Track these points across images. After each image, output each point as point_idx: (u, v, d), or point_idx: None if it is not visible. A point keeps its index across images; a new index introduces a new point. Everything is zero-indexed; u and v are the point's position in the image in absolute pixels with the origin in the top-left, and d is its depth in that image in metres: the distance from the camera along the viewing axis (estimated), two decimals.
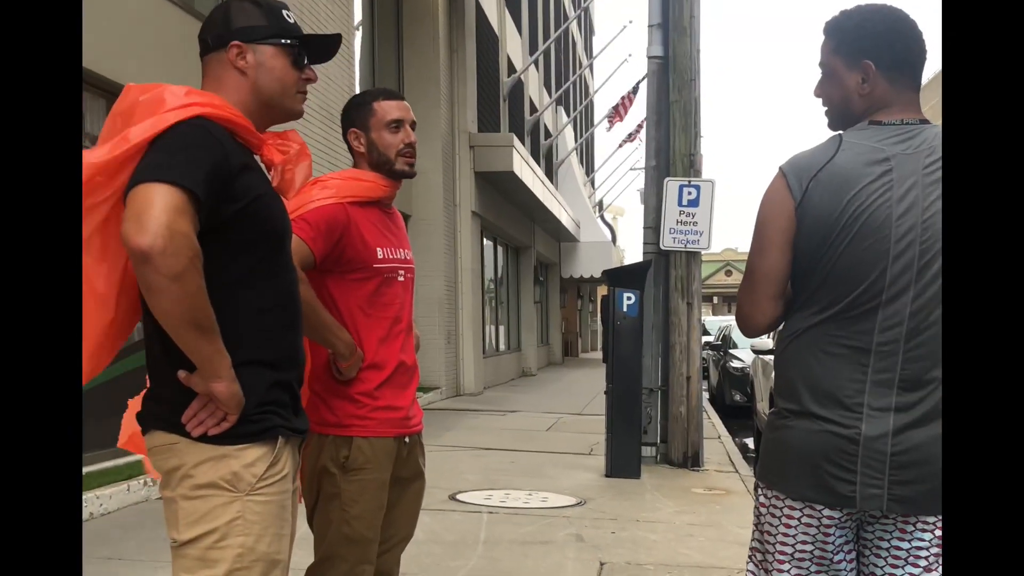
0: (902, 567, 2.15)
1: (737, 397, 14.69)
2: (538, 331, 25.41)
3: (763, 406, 10.37)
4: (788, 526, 2.17)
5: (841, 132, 2.20)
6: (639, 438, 8.19)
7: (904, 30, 2.19)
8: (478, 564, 5.13)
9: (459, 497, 6.92)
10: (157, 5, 7.75)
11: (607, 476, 7.93)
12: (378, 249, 2.84)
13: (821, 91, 2.28)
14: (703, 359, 12.48)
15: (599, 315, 16.89)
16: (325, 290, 2.81)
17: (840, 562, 2.18)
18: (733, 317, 22.89)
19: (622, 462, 7.96)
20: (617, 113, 24.30)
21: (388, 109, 2.91)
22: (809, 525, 2.15)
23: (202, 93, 2.15)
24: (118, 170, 2.02)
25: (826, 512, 2.13)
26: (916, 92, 2.23)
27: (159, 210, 1.90)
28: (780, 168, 2.18)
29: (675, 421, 8.66)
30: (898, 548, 2.15)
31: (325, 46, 2.33)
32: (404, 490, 2.95)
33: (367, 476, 2.77)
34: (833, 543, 2.15)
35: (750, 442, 11.81)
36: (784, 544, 2.19)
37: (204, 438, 2.07)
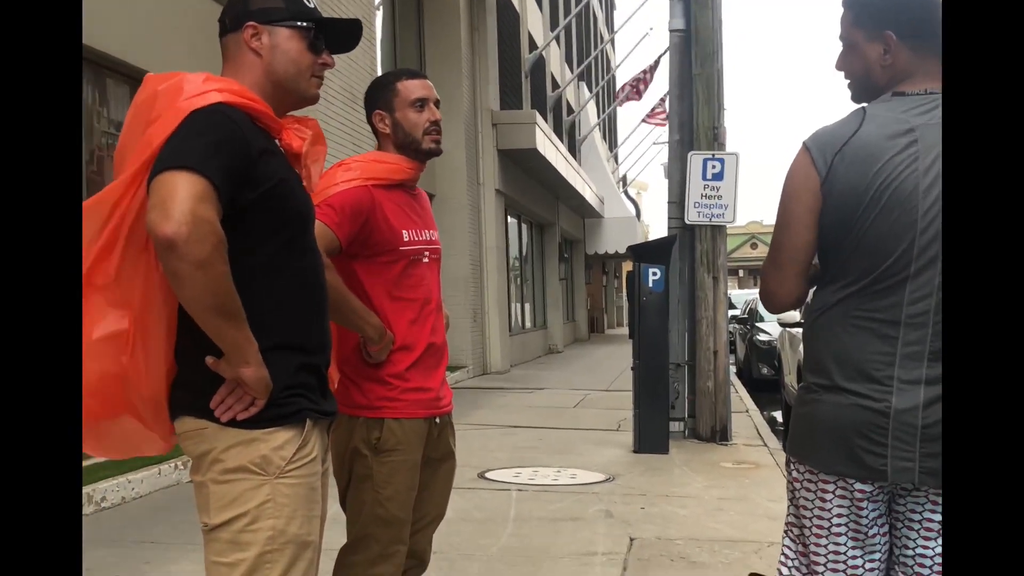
0: (935, 539, 2.14)
1: (764, 370, 14.65)
2: (564, 308, 25.40)
3: (791, 379, 10.34)
4: (823, 500, 2.17)
5: (865, 104, 2.18)
6: (667, 413, 8.19)
7: None
8: (508, 541, 5.16)
9: (488, 475, 6.95)
10: None
11: (635, 452, 7.94)
12: (404, 231, 2.84)
13: (843, 64, 2.25)
14: (729, 333, 12.44)
15: (624, 291, 16.86)
16: (352, 274, 2.82)
17: (874, 536, 2.17)
18: (758, 291, 22.90)
19: (650, 438, 7.97)
20: (636, 90, 24.09)
21: (412, 88, 2.90)
22: (843, 498, 2.14)
23: (220, 79, 2.15)
24: (143, 169, 2.02)
25: (858, 486, 2.12)
26: (939, 60, 2.19)
27: (182, 197, 1.91)
28: (804, 143, 2.16)
29: (702, 395, 8.65)
30: (930, 521, 2.14)
31: (346, 34, 2.32)
32: (435, 470, 2.96)
33: (399, 457, 2.79)
34: (867, 516, 2.15)
35: (778, 415, 11.78)
36: (820, 519, 2.18)
37: (233, 422, 2.08)
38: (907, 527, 2.17)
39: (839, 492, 2.15)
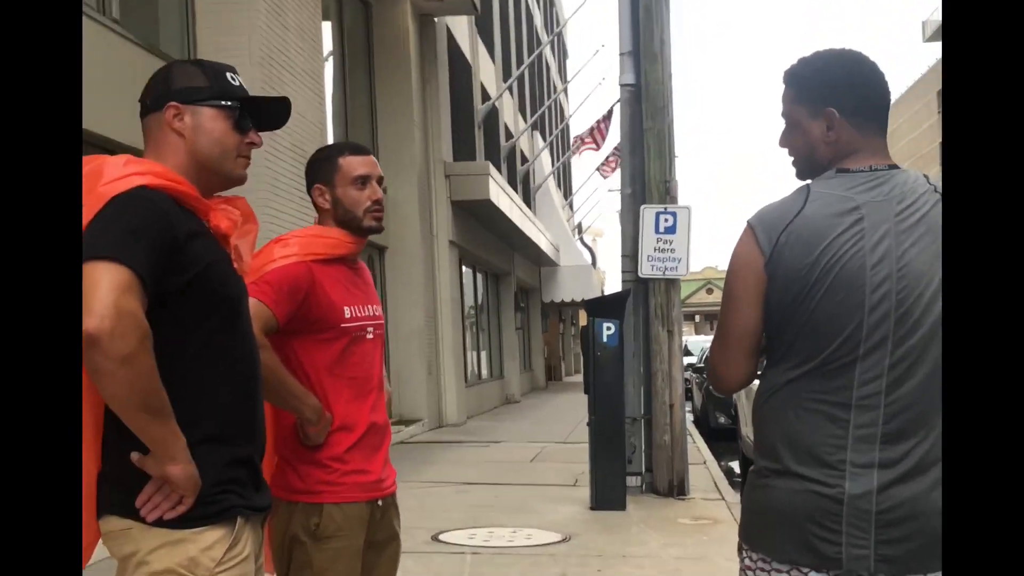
0: None
1: (721, 419, 14.62)
2: (520, 357, 25.33)
3: (748, 430, 10.30)
4: None
5: (809, 182, 2.14)
6: (624, 468, 8.10)
7: (865, 73, 2.14)
8: None
9: (442, 537, 6.80)
10: (121, 48, 7.67)
11: (592, 508, 7.83)
12: (345, 308, 2.75)
13: (786, 142, 2.22)
14: (686, 381, 12.38)
15: (580, 341, 16.87)
16: (291, 352, 2.72)
17: None
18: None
19: (607, 493, 7.87)
20: (593, 139, 24.27)
21: (354, 165, 2.82)
22: None
23: (141, 161, 2.07)
24: None
25: (812, 574, 2.05)
26: (883, 136, 2.17)
27: (104, 290, 1.82)
28: (748, 223, 2.11)
29: (660, 450, 8.58)
30: None
31: (274, 111, 2.25)
32: (379, 554, 2.85)
33: (339, 544, 2.68)
34: None
35: (735, 466, 11.73)
36: None
37: (159, 522, 1.97)
38: None
39: None
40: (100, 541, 2.10)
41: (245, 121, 2.18)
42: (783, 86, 2.21)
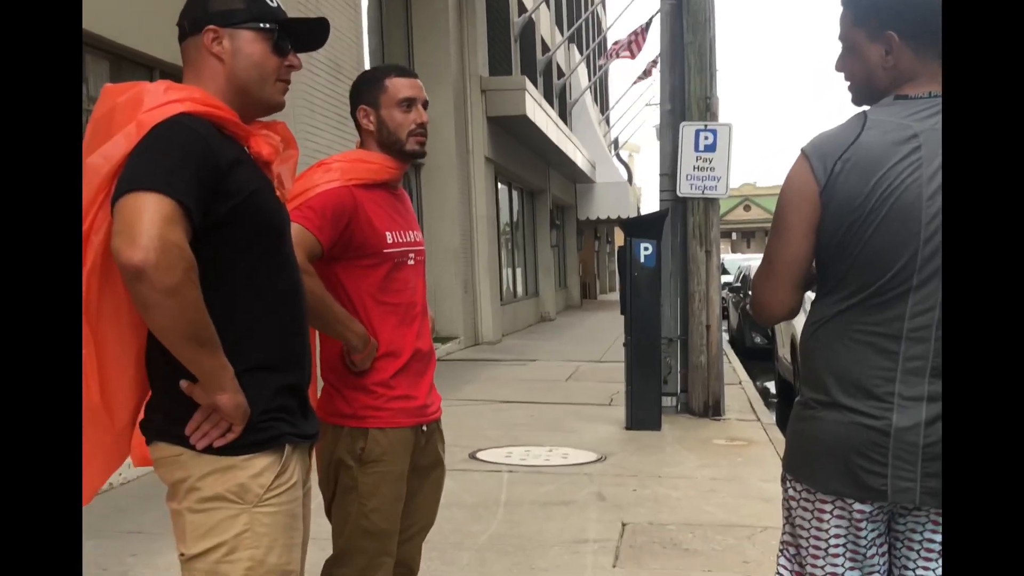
0: (935, 560, 2.07)
1: (757, 339, 14.60)
2: (556, 275, 25.32)
3: (784, 351, 10.28)
4: (820, 520, 2.09)
5: (866, 109, 2.07)
6: (659, 389, 8.12)
7: None
8: (499, 528, 5.10)
9: (479, 456, 6.89)
10: None
11: (628, 428, 7.88)
12: (388, 233, 2.73)
13: (843, 66, 2.15)
14: (723, 300, 12.34)
15: (616, 260, 16.76)
16: (335, 278, 2.71)
17: (873, 556, 2.10)
18: (752, 256, 22.57)
19: (643, 414, 7.91)
20: (628, 50, 23.70)
21: (400, 87, 2.79)
22: (841, 519, 2.07)
23: (181, 87, 2.04)
24: (107, 192, 1.91)
25: (857, 506, 2.04)
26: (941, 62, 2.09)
27: (149, 221, 1.80)
28: (802, 150, 2.05)
29: (695, 370, 8.59)
30: (931, 542, 2.07)
31: (312, 32, 2.20)
32: (423, 479, 2.88)
33: (384, 468, 2.70)
34: (866, 537, 2.07)
35: (771, 386, 11.75)
36: (817, 539, 2.10)
37: (209, 449, 1.99)
38: (907, 548, 2.10)
39: (837, 512, 2.07)
40: (150, 467, 2.13)
41: (284, 43, 2.13)
42: (841, 8, 2.14)
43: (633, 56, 23.76)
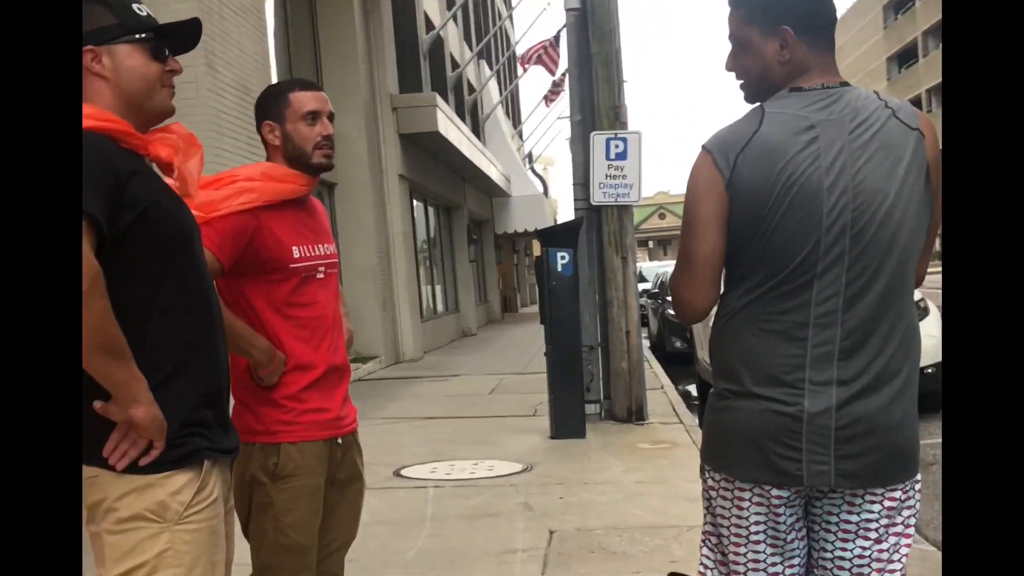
0: (852, 540, 2.11)
1: (678, 344, 14.76)
2: (476, 290, 25.32)
3: (704, 353, 10.41)
4: (740, 508, 2.11)
5: (762, 103, 2.11)
6: (582, 397, 8.15)
7: None
8: (426, 543, 5.05)
9: (403, 472, 6.82)
10: None
11: (552, 438, 7.89)
12: (294, 248, 2.71)
13: (734, 64, 2.18)
14: (642, 307, 12.44)
15: (535, 271, 16.83)
16: (240, 294, 2.68)
17: (793, 540, 2.13)
18: (669, 263, 22.85)
19: (567, 422, 7.93)
20: (542, 63, 23.82)
21: (304, 100, 2.77)
22: (760, 505, 2.09)
23: None
24: None
25: (775, 492, 2.07)
26: (832, 54, 2.15)
27: None
28: (704, 147, 2.08)
29: (617, 376, 8.65)
30: (847, 522, 2.11)
31: (186, 34, 2.18)
32: (342, 493, 2.84)
33: (299, 483, 2.66)
34: (785, 522, 2.10)
35: (693, 389, 11.88)
36: (738, 527, 2.13)
37: (126, 468, 1.96)
38: (824, 529, 2.14)
39: (756, 499, 2.10)
40: None
41: (161, 50, 2.13)
42: (730, 8, 2.17)
43: (552, 72, 23.86)
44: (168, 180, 2.16)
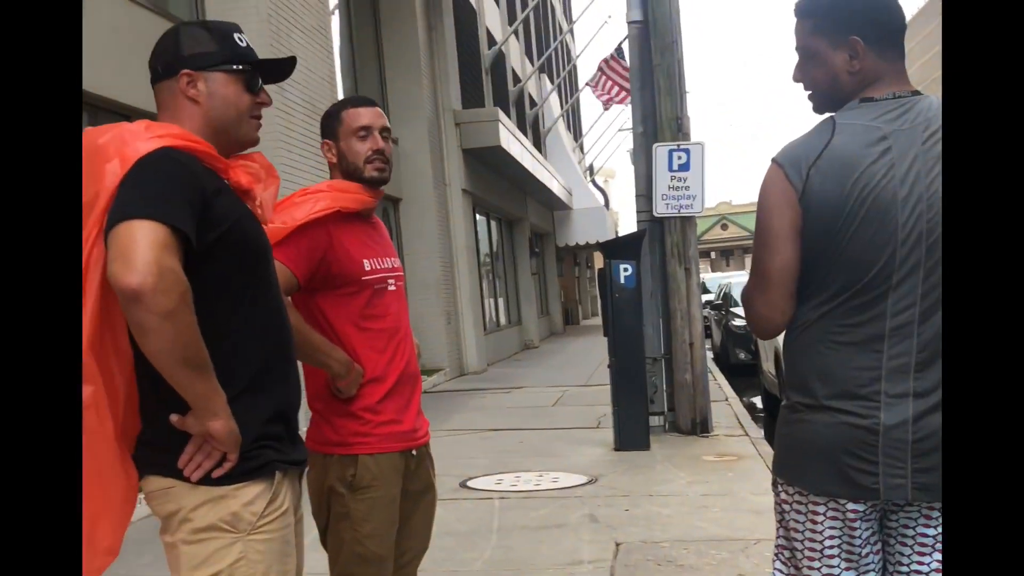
0: (929, 553, 2.09)
1: (741, 355, 14.65)
2: (537, 302, 25.35)
3: (769, 365, 10.33)
4: (814, 522, 2.10)
5: (832, 114, 2.11)
6: (646, 409, 8.14)
7: None
8: (493, 554, 5.09)
9: (470, 484, 6.87)
10: (131, 12, 7.62)
11: (616, 450, 7.88)
12: (364, 261, 2.78)
13: (802, 75, 2.17)
14: (704, 319, 12.42)
15: (597, 283, 16.80)
16: (316, 308, 2.75)
17: (868, 555, 2.11)
18: (732, 273, 22.64)
19: (631, 434, 7.91)
20: (609, 78, 23.58)
21: (355, 116, 2.84)
22: (835, 519, 2.08)
23: (161, 125, 2.09)
24: (100, 227, 1.95)
25: (850, 506, 2.06)
26: (903, 61, 2.14)
27: (145, 247, 1.84)
28: (774, 160, 2.08)
29: (681, 388, 8.61)
30: (924, 535, 2.09)
31: (279, 67, 2.26)
32: (416, 504, 2.89)
33: (376, 494, 2.72)
34: (860, 536, 2.09)
35: (758, 401, 11.79)
36: (812, 541, 2.12)
37: (200, 480, 2.01)
38: (900, 543, 2.12)
39: (831, 513, 2.09)
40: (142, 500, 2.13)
41: (255, 82, 2.19)
42: (796, 19, 2.17)
43: (619, 88, 23.60)
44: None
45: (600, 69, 23.90)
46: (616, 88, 23.37)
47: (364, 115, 2.84)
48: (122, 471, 2.07)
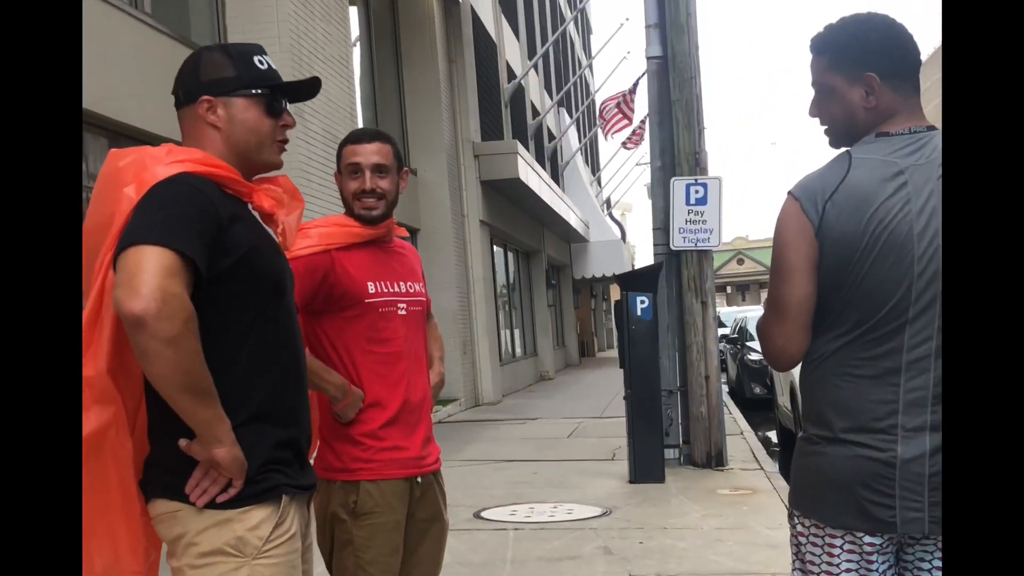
0: None
1: (757, 390, 14.61)
2: (553, 334, 25.34)
3: (784, 399, 10.29)
4: (831, 555, 2.10)
5: (848, 149, 2.13)
6: (661, 441, 8.13)
7: (899, 35, 2.12)
8: None
9: (484, 514, 6.87)
10: (153, 39, 7.73)
11: (631, 482, 7.86)
12: (369, 283, 2.78)
13: (819, 110, 2.19)
14: (720, 352, 12.42)
15: (613, 317, 16.66)
16: (320, 330, 2.77)
17: None
18: (748, 308, 22.47)
19: (646, 466, 7.90)
20: (623, 114, 23.71)
21: (348, 153, 2.85)
22: (852, 552, 2.08)
23: (183, 149, 2.10)
24: (113, 248, 1.97)
25: (867, 539, 2.06)
26: (918, 96, 2.16)
27: (151, 273, 1.85)
28: (790, 193, 2.10)
29: (696, 421, 8.60)
30: (939, 570, 2.08)
31: (304, 88, 2.26)
32: (423, 533, 2.88)
33: (378, 520, 2.72)
34: (877, 570, 2.08)
35: (773, 436, 11.73)
36: (828, 574, 2.11)
37: (207, 503, 2.01)
38: None
39: (847, 546, 2.08)
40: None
41: (277, 105, 2.18)
42: (812, 55, 2.19)
43: (630, 121, 23.72)
44: (269, 229, 2.22)
45: (618, 103, 23.93)
46: (619, 116, 23.37)
47: (355, 152, 2.83)
48: (139, 493, 2.08)
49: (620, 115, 23.47)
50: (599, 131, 27.60)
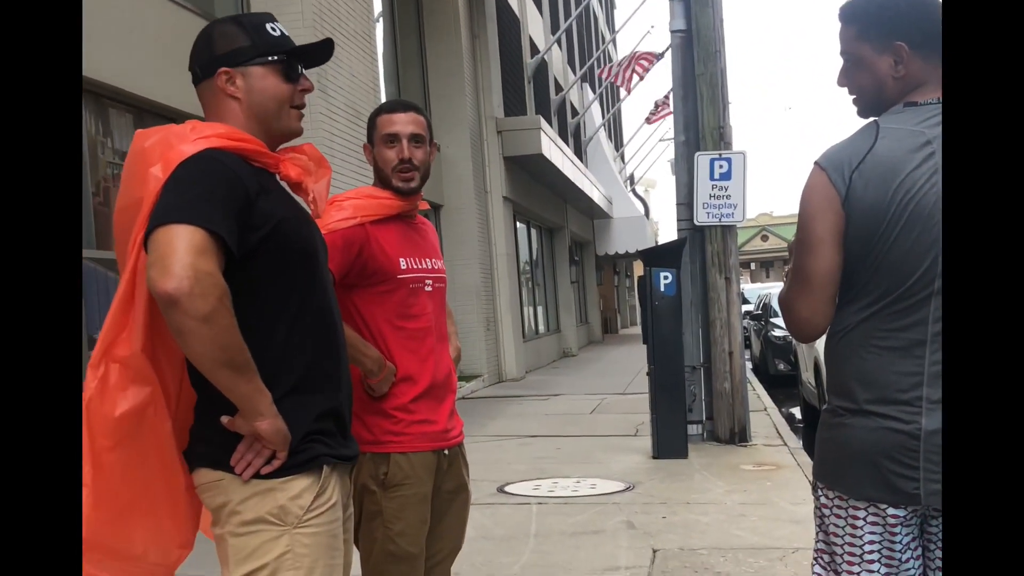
0: None
1: (781, 366, 14.55)
2: (576, 311, 25.33)
3: (808, 375, 10.26)
4: (854, 526, 2.10)
5: (876, 119, 2.11)
6: (684, 417, 8.12)
7: (928, 3, 2.09)
8: (530, 559, 5.10)
9: (507, 489, 6.89)
10: (176, 14, 7.75)
11: (654, 457, 7.87)
12: (401, 259, 2.79)
13: (847, 80, 2.17)
14: (744, 329, 12.38)
15: (636, 292, 16.75)
16: (352, 305, 2.77)
17: (908, 560, 2.10)
18: (772, 284, 22.33)
19: (669, 442, 7.90)
20: (634, 73, 23.12)
21: (384, 123, 2.84)
22: (875, 524, 2.07)
23: (207, 125, 2.11)
24: (143, 230, 1.98)
25: (891, 511, 2.05)
26: None
27: (182, 252, 1.86)
28: (817, 163, 2.08)
29: (719, 397, 8.59)
30: None
31: (318, 52, 2.25)
32: (449, 503, 2.91)
33: (407, 492, 2.74)
34: (900, 542, 2.08)
35: (796, 412, 11.70)
36: (852, 546, 2.11)
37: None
38: (940, 549, 2.11)
39: (871, 518, 2.08)
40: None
41: (294, 70, 2.19)
42: (840, 24, 2.17)
43: (642, 78, 23.18)
44: (299, 199, 2.23)
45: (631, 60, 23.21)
46: (631, 71, 22.74)
47: (392, 122, 2.83)
48: (181, 468, 2.11)
49: (631, 69, 22.67)
50: (622, 103, 27.21)
